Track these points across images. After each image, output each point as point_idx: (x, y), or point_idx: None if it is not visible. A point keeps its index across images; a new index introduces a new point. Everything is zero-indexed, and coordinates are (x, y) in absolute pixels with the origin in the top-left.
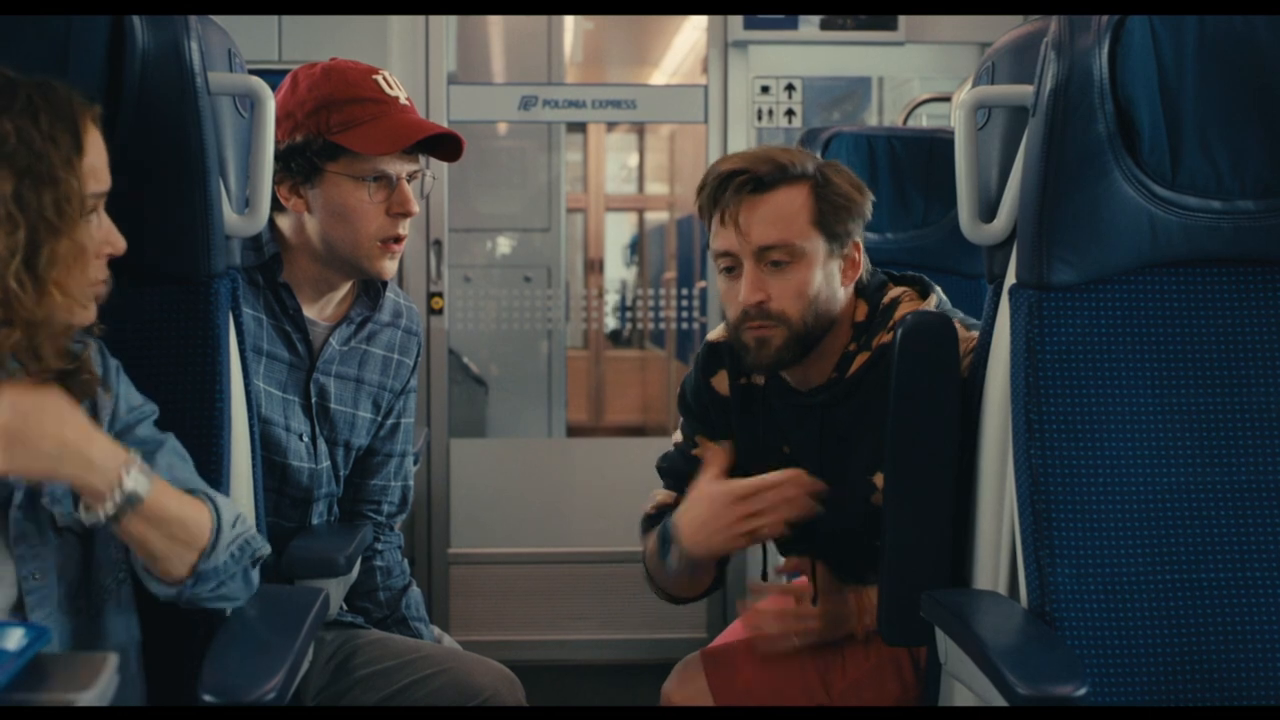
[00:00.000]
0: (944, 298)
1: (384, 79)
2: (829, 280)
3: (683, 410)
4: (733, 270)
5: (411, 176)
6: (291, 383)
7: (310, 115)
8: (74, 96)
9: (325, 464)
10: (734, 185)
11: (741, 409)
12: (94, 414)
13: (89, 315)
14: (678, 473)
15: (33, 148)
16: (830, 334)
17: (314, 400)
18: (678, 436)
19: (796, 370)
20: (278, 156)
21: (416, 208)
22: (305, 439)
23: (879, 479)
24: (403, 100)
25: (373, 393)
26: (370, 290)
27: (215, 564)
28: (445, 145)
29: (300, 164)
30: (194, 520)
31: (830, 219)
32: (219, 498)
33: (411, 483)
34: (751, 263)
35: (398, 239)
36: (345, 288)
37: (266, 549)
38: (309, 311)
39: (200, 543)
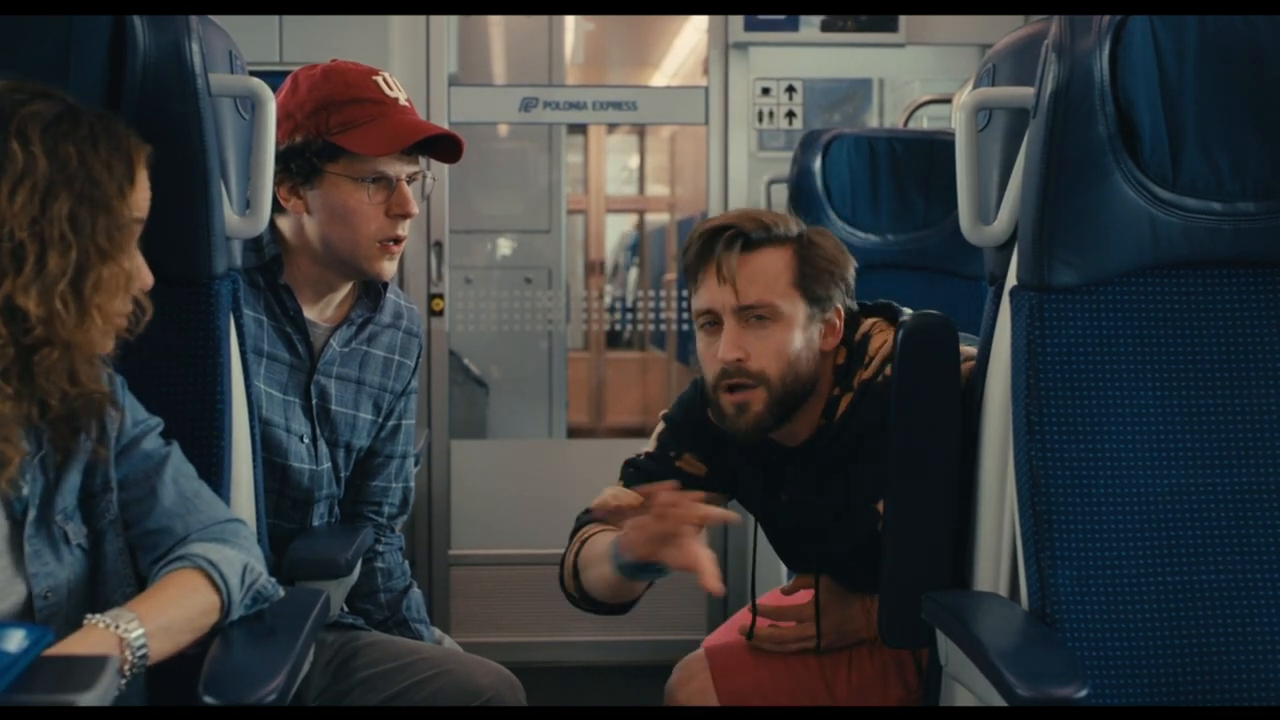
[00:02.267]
0: None
1: (384, 80)
2: (809, 344)
3: (669, 425)
4: (713, 328)
5: (411, 178)
6: (292, 384)
7: (310, 116)
8: (130, 131)
9: (326, 465)
10: (724, 240)
11: (741, 450)
12: (102, 431)
13: (108, 345)
14: (653, 474)
15: (91, 174)
16: (813, 393)
17: (315, 402)
18: (650, 447)
19: (783, 430)
20: (277, 157)
21: (416, 209)
22: (306, 440)
23: (882, 507)
24: (402, 101)
25: (373, 394)
26: (371, 292)
27: (233, 620)
28: (445, 146)
29: (300, 165)
30: (200, 610)
31: (812, 282)
32: (223, 553)
33: (412, 484)
34: (732, 319)
35: (397, 240)
36: (346, 289)
37: (279, 593)
38: (309, 313)
39: (214, 618)
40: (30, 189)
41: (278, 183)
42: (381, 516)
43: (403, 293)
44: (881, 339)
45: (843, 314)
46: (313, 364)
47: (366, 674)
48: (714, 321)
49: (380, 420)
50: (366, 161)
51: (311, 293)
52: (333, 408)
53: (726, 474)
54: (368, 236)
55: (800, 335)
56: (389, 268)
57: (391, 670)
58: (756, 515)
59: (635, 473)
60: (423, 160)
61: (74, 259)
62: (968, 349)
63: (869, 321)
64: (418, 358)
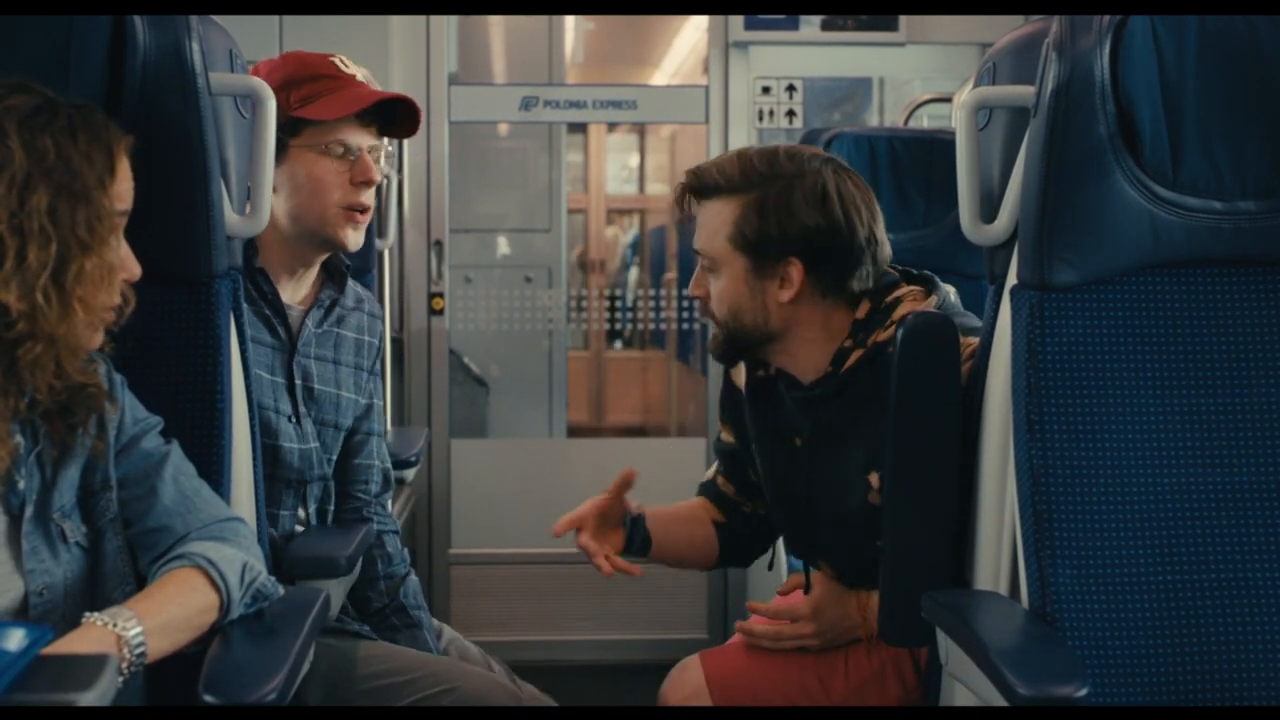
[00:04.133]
0: (949, 299)
1: (340, 60)
2: (754, 295)
3: (721, 399)
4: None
5: (373, 151)
6: (277, 365)
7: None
8: (109, 122)
9: (314, 445)
10: (683, 186)
11: (754, 400)
12: (100, 427)
13: (97, 339)
14: (717, 450)
15: (70, 165)
16: (822, 331)
17: (299, 382)
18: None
19: (793, 363)
20: None
21: (379, 176)
22: (292, 420)
23: (874, 479)
24: (359, 78)
25: (352, 373)
26: (335, 275)
27: (232, 619)
28: (404, 118)
29: None
30: (199, 609)
31: (755, 235)
32: (222, 551)
33: (390, 465)
34: (698, 260)
35: (363, 209)
36: (315, 269)
37: (279, 591)
38: (283, 295)
39: (213, 617)
40: (8, 182)
41: None
42: (368, 495)
43: (356, 283)
44: (910, 308)
45: (801, 266)
46: (292, 345)
47: (370, 685)
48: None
49: (358, 399)
50: (329, 131)
51: (284, 274)
52: (316, 387)
53: (747, 439)
54: (333, 204)
55: (741, 287)
56: (354, 237)
57: (398, 685)
58: (766, 481)
59: (717, 458)
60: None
61: (54, 251)
62: (970, 340)
63: (906, 289)
64: (381, 338)
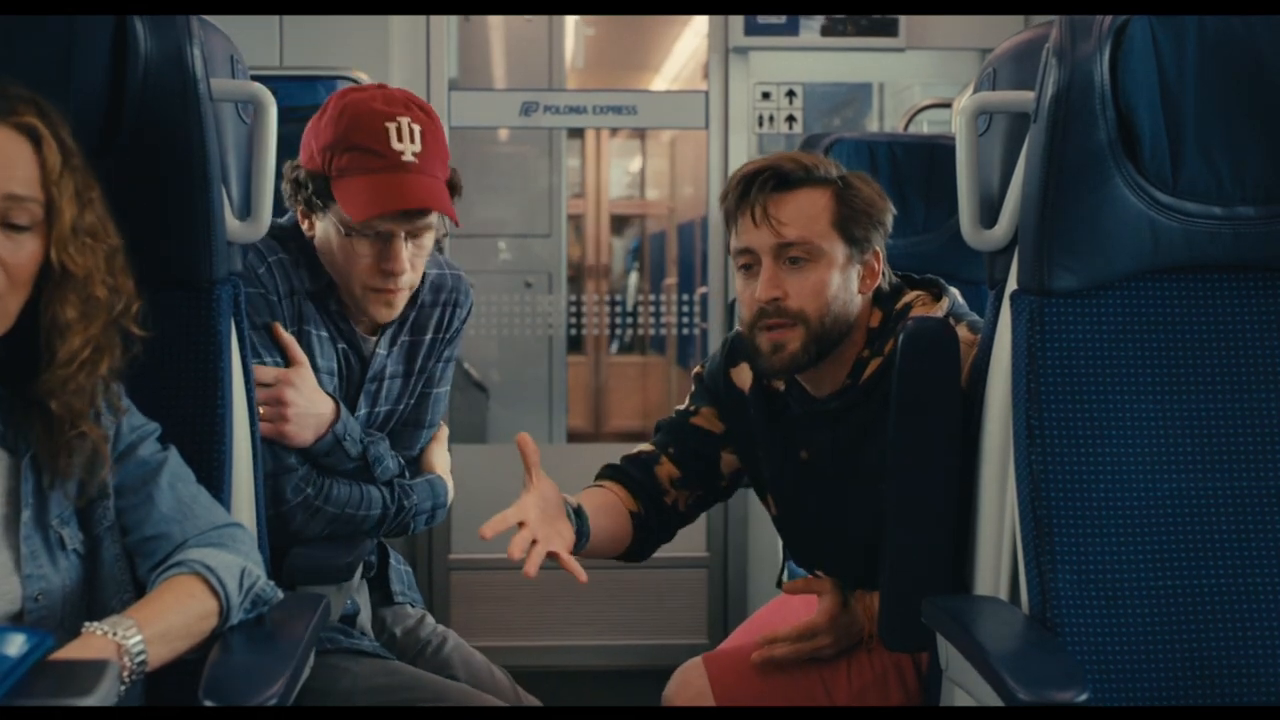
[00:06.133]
0: (958, 300)
1: (399, 128)
2: (847, 284)
3: (696, 383)
4: (751, 269)
5: (413, 233)
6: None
7: (321, 150)
8: (14, 105)
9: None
10: (759, 181)
11: (758, 410)
12: (89, 470)
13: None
14: (671, 430)
15: None
16: (846, 340)
17: (361, 411)
18: (683, 403)
19: (811, 376)
20: (297, 177)
21: (406, 267)
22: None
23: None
24: (408, 156)
25: (416, 378)
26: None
27: (232, 625)
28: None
29: (306, 195)
30: (198, 616)
31: (851, 224)
32: (220, 558)
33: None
34: (770, 259)
35: (390, 290)
36: None
37: (278, 596)
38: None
39: (212, 623)
40: None
41: (296, 198)
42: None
43: (444, 258)
44: (921, 312)
45: (881, 257)
46: (363, 374)
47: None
48: (752, 264)
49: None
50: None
51: (353, 307)
52: (381, 409)
53: (743, 437)
54: (358, 283)
55: (839, 275)
56: (384, 313)
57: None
58: (773, 491)
59: (659, 434)
60: (436, 216)
61: None
62: (976, 337)
63: (913, 294)
64: (463, 320)
